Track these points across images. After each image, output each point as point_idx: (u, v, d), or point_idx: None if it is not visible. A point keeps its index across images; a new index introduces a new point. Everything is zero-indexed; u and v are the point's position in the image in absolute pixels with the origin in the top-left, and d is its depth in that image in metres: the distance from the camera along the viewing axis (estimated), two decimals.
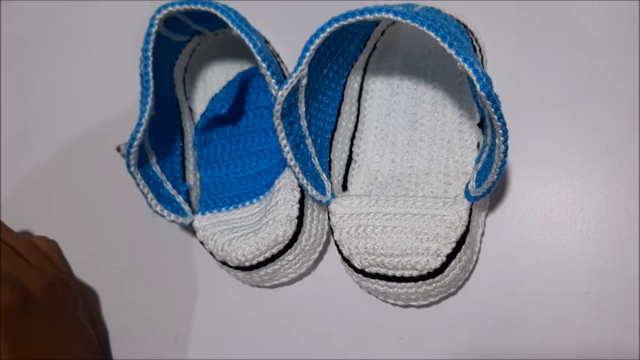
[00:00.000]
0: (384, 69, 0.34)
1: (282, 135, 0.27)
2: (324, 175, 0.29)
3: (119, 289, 0.35)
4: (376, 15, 0.25)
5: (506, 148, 0.24)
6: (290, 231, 0.29)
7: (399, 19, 0.24)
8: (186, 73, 0.36)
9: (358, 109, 0.33)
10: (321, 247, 0.31)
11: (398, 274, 0.27)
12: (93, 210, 0.37)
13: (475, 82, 0.23)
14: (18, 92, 0.41)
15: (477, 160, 0.27)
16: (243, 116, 0.35)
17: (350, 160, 0.32)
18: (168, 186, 0.32)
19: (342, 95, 0.32)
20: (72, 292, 0.32)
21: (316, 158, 0.29)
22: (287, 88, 0.26)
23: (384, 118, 0.33)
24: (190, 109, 0.36)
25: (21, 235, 0.34)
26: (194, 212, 0.32)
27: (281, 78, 0.29)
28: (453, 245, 0.27)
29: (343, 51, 0.30)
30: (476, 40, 0.32)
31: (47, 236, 0.35)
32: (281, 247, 0.29)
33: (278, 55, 0.35)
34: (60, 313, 0.30)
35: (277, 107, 0.26)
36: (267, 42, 0.35)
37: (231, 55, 0.36)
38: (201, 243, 0.31)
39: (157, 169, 0.31)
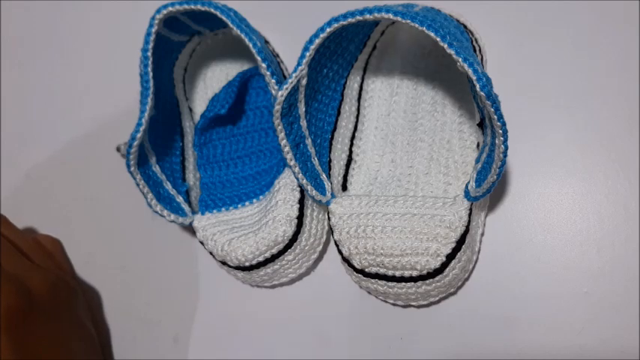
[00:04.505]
0: (384, 69, 0.34)
1: (282, 135, 0.27)
2: (323, 175, 0.29)
3: (119, 289, 0.35)
4: (376, 15, 0.25)
5: (506, 148, 0.24)
6: (290, 231, 0.29)
7: (399, 19, 0.24)
8: (186, 73, 0.36)
9: (358, 109, 0.33)
10: (320, 247, 0.31)
11: (398, 274, 0.27)
12: (93, 210, 0.37)
13: (475, 82, 0.23)
14: (18, 92, 0.41)
15: (477, 160, 0.27)
16: (243, 116, 0.35)
17: (350, 160, 0.32)
18: (168, 186, 0.32)
19: (342, 95, 0.32)
20: (74, 291, 0.32)
21: (316, 158, 0.29)
22: (287, 88, 0.26)
23: (383, 118, 0.33)
24: (190, 109, 0.36)
25: (26, 233, 0.34)
26: (194, 212, 0.32)
27: (281, 78, 0.29)
28: (453, 245, 0.27)
29: (343, 51, 0.30)
30: (476, 40, 0.32)
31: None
32: (281, 247, 0.29)
33: (278, 55, 0.35)
34: (62, 312, 0.30)
35: (277, 107, 0.26)
36: (267, 42, 0.35)
37: (231, 55, 0.36)
38: (201, 243, 0.31)
39: (156, 169, 0.31)
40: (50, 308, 0.29)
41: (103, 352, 0.33)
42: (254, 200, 0.32)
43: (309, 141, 0.29)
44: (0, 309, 0.26)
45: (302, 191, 0.30)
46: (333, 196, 0.29)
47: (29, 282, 0.28)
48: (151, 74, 0.29)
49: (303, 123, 0.28)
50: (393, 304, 0.30)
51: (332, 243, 0.32)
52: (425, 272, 0.27)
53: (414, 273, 0.27)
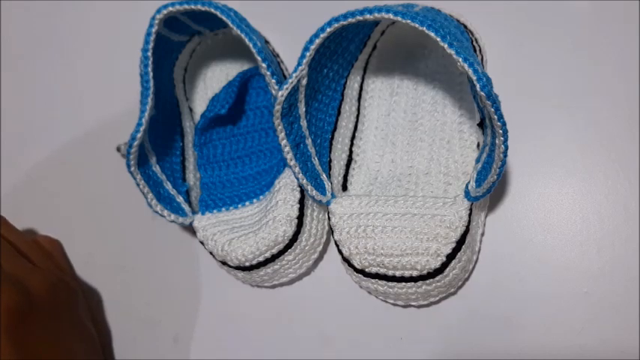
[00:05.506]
0: (384, 69, 0.34)
1: (282, 135, 0.27)
2: (324, 175, 0.29)
3: (119, 289, 0.35)
4: (376, 15, 0.25)
5: (506, 148, 0.24)
6: (290, 231, 0.29)
7: (399, 19, 0.24)
8: (186, 73, 0.36)
9: (358, 109, 0.33)
10: (321, 247, 0.31)
11: (398, 274, 0.27)
12: (93, 210, 0.37)
13: (475, 82, 0.23)
14: (18, 92, 0.41)
15: (477, 160, 0.27)
16: (243, 116, 0.35)
17: (350, 160, 0.32)
18: (168, 186, 0.32)
19: (342, 95, 0.32)
20: (74, 292, 0.32)
21: (316, 158, 0.29)
22: (287, 88, 0.26)
23: (384, 118, 0.33)
24: (190, 109, 0.36)
25: (25, 233, 0.34)
26: (194, 212, 0.32)
27: (281, 78, 0.29)
28: (453, 245, 0.27)
29: (343, 51, 0.30)
30: (476, 40, 0.32)
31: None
32: (281, 247, 0.29)
33: (278, 55, 0.35)
34: (62, 313, 0.30)
35: (277, 107, 0.26)
36: (267, 42, 0.35)
37: (231, 55, 0.36)
38: (201, 243, 0.31)
39: (156, 169, 0.31)
40: (50, 309, 0.29)
41: (104, 352, 0.33)
42: (254, 200, 0.32)
43: (309, 141, 0.29)
44: (0, 310, 0.26)
45: (302, 191, 0.30)
46: (333, 196, 0.29)
47: (29, 283, 0.28)
48: (151, 74, 0.29)
49: (304, 123, 0.28)
50: (393, 304, 0.30)
51: (332, 243, 0.32)
52: (425, 272, 0.27)
53: (415, 273, 0.27)
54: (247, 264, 0.29)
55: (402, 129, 0.33)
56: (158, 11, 0.29)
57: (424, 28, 0.24)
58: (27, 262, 0.30)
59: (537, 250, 0.30)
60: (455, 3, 0.33)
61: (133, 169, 0.29)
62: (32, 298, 0.28)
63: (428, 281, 0.27)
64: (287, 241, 0.29)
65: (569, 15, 0.33)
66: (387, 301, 0.30)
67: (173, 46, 0.33)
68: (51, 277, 0.30)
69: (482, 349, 0.29)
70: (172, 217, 0.31)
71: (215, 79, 0.36)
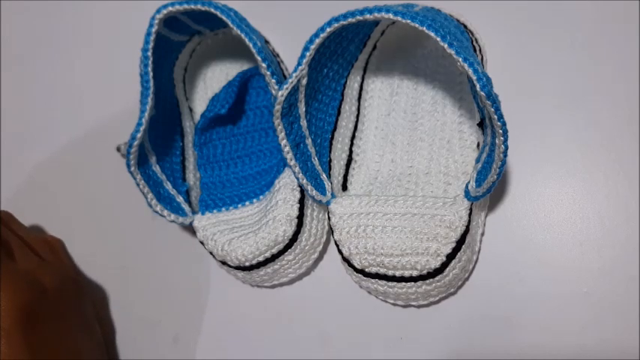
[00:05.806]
0: (384, 69, 0.34)
1: (282, 135, 0.27)
2: (324, 175, 0.29)
3: (119, 289, 0.35)
4: (376, 15, 0.25)
5: (506, 148, 0.24)
6: (290, 231, 0.29)
7: (399, 19, 0.24)
8: (186, 73, 0.36)
9: (358, 109, 0.33)
10: (321, 247, 0.31)
11: (398, 274, 0.27)
12: (93, 210, 0.37)
13: (475, 82, 0.23)
14: (18, 92, 0.41)
15: (477, 160, 0.27)
16: (243, 116, 0.35)
17: (350, 160, 0.32)
18: (169, 186, 0.32)
19: (342, 95, 0.32)
20: (81, 289, 0.32)
21: (316, 158, 0.29)
22: (287, 88, 0.26)
23: (384, 118, 0.33)
24: (190, 109, 0.36)
25: (31, 231, 0.34)
26: (194, 212, 0.32)
27: (281, 78, 0.29)
28: (453, 245, 0.27)
29: (343, 51, 0.30)
30: (476, 40, 0.32)
31: None
32: (281, 246, 0.29)
33: (278, 55, 0.35)
34: (70, 310, 0.30)
35: (277, 107, 0.26)
36: (267, 42, 0.35)
37: (231, 55, 0.36)
38: (201, 243, 0.31)
39: (156, 169, 0.31)
40: (59, 305, 0.29)
41: (107, 351, 0.33)
42: (254, 200, 0.32)
43: (309, 141, 0.29)
44: (12, 306, 0.26)
45: (302, 191, 0.30)
46: (333, 195, 0.29)
47: (41, 279, 0.28)
48: (151, 74, 0.29)
49: (304, 123, 0.29)
50: (393, 304, 0.30)
51: (332, 243, 0.32)
52: (425, 272, 0.27)
53: (414, 273, 0.27)
54: (247, 264, 0.29)
55: (402, 129, 0.33)
56: (158, 11, 0.29)
57: (424, 28, 0.24)
58: (37, 258, 0.30)
59: (537, 250, 0.30)
60: (455, 3, 0.33)
61: (133, 169, 0.29)
62: (44, 294, 0.28)
63: (428, 281, 0.27)
64: (287, 241, 0.29)
65: (569, 15, 0.33)
66: (387, 301, 0.30)
67: (173, 46, 0.33)
68: (60, 273, 0.30)
69: (483, 349, 0.29)
70: (172, 217, 0.31)
71: (215, 79, 0.37)
